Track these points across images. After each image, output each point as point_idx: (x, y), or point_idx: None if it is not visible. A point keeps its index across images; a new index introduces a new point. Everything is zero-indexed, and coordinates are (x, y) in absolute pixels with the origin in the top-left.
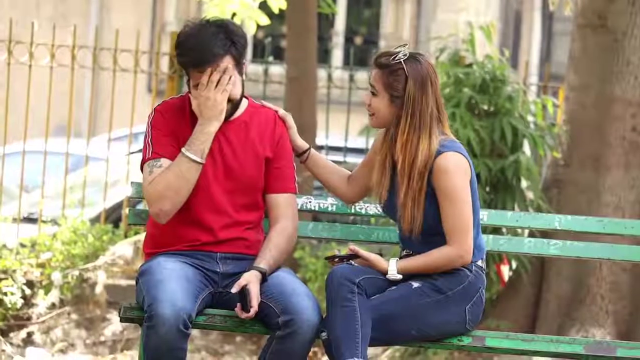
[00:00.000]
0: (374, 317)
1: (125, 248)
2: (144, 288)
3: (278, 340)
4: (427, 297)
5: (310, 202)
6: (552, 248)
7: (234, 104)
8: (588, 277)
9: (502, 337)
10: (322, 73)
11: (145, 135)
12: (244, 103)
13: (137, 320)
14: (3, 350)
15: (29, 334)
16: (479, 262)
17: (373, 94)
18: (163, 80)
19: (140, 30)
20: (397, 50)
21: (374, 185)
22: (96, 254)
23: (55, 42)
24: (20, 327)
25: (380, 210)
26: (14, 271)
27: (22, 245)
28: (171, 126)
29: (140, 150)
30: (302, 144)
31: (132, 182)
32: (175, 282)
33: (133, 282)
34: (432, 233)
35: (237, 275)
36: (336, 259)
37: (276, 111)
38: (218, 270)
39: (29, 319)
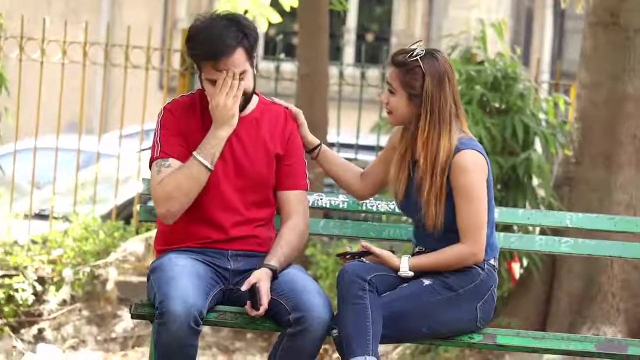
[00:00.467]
0: (385, 315)
1: (137, 245)
2: (155, 285)
3: (289, 337)
4: (439, 294)
5: (321, 199)
6: (563, 246)
7: (246, 97)
8: (599, 275)
9: (513, 335)
10: (333, 70)
11: (155, 133)
12: (255, 100)
13: (149, 317)
14: (14, 347)
15: (40, 331)
16: (492, 261)
17: (391, 92)
18: (175, 78)
19: (152, 27)
20: (413, 47)
21: (391, 182)
22: (107, 250)
23: (67, 39)
24: (32, 323)
25: (397, 207)
26: (26, 268)
27: (34, 242)
28: (181, 125)
29: (151, 148)
30: (313, 140)
31: (143, 179)
32: (186, 279)
33: (144, 279)
34: (448, 230)
35: (248, 272)
36: (348, 256)
37: (287, 108)
38: (229, 267)
39: (40, 315)
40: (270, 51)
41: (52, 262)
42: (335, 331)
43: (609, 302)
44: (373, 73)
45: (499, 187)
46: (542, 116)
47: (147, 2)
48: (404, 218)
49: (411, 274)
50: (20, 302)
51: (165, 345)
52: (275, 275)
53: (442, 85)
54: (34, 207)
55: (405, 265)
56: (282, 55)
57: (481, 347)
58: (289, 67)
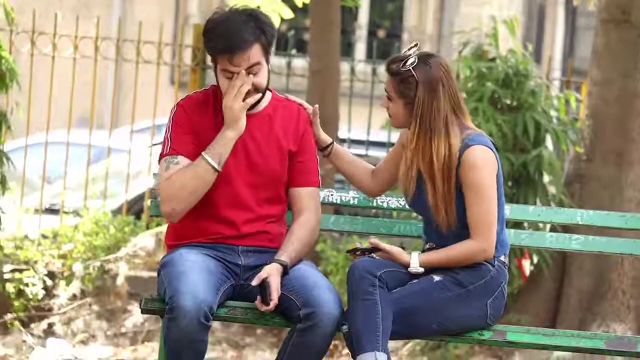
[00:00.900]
0: (394, 311)
1: (147, 239)
2: (165, 280)
3: (299, 333)
4: (449, 290)
5: (332, 195)
6: (574, 243)
7: (260, 93)
8: (610, 272)
9: (523, 332)
10: (344, 66)
11: (166, 129)
12: (268, 96)
13: (158, 312)
14: (24, 341)
15: (50, 325)
16: (502, 258)
17: (389, 99)
18: (186, 73)
19: (164, 22)
20: (407, 54)
21: (401, 181)
22: (118, 245)
23: (78, 34)
24: (41, 318)
25: (406, 204)
26: (36, 262)
27: (44, 237)
28: (193, 122)
29: (161, 143)
30: (325, 138)
31: (154, 174)
32: (196, 274)
33: (154, 274)
34: (459, 226)
35: (258, 267)
36: (358, 252)
37: (300, 104)
38: (240, 262)
39: (50, 310)
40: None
41: (62, 256)
42: (345, 327)
43: (619, 299)
44: (384, 69)
45: (509, 183)
46: (553, 113)
47: None
48: (414, 214)
49: (421, 270)
50: (30, 297)
51: (175, 340)
52: (285, 270)
53: (434, 92)
54: (44, 201)
55: (415, 261)
56: (294, 51)
57: (491, 344)
58: (300, 63)
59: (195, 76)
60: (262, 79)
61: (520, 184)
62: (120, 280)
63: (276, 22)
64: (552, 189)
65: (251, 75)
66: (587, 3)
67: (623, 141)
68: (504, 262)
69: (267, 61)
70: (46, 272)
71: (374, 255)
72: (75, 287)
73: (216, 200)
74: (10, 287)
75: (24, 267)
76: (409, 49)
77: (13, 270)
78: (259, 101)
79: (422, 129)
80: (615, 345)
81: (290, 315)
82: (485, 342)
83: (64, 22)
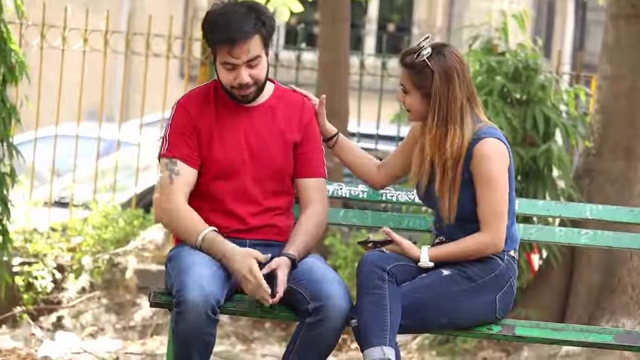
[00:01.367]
0: (404, 305)
1: (156, 233)
2: (172, 273)
3: (308, 326)
4: (458, 285)
5: (341, 189)
6: (583, 237)
7: (258, 86)
8: (619, 266)
9: (532, 326)
10: (354, 60)
11: (166, 127)
12: (270, 87)
13: (167, 306)
14: (33, 334)
15: (59, 318)
16: (512, 252)
17: (404, 92)
18: (195, 66)
19: (173, 15)
20: (421, 45)
21: (413, 174)
22: (127, 238)
23: (88, 27)
24: (50, 311)
25: (418, 198)
26: (45, 255)
27: (53, 230)
28: (193, 120)
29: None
30: (330, 128)
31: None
32: (204, 267)
33: (163, 267)
34: (468, 220)
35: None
36: (369, 244)
37: (305, 95)
38: None
39: (59, 303)
40: (291, 40)
41: (72, 249)
42: (354, 321)
43: (628, 294)
44: (394, 63)
45: (518, 178)
46: (562, 107)
47: None
48: (424, 208)
49: (431, 264)
50: (39, 290)
51: (183, 333)
52: (294, 264)
53: (450, 82)
54: (53, 194)
55: (425, 255)
56: (303, 45)
57: (500, 338)
58: (309, 57)
59: (204, 69)
60: (261, 72)
61: (529, 178)
62: (129, 274)
63: (286, 16)
64: (561, 184)
65: None
66: None
67: (633, 136)
68: (514, 257)
69: (267, 53)
70: (55, 265)
71: (384, 249)
72: (84, 280)
73: (223, 194)
74: (19, 280)
75: (33, 260)
76: (421, 41)
77: (22, 264)
78: (259, 93)
79: (439, 119)
80: (624, 340)
81: (299, 309)
82: (494, 337)
83: (73, 16)
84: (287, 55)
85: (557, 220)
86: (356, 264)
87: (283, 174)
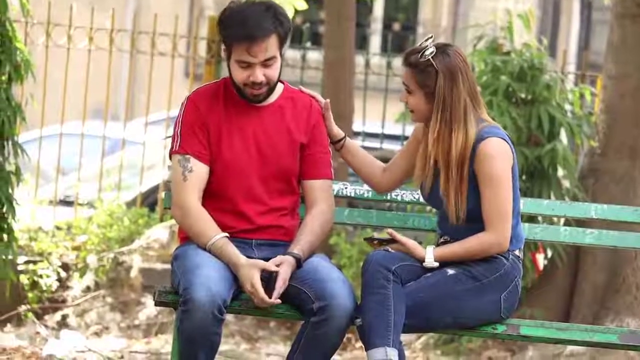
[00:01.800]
0: (408, 304)
1: (161, 232)
2: (178, 272)
3: (312, 326)
4: (463, 284)
5: (346, 188)
6: (588, 237)
7: (270, 87)
8: (624, 266)
9: (536, 326)
10: (359, 59)
11: (176, 123)
12: (280, 88)
13: (172, 305)
14: (38, 333)
15: (64, 317)
16: (517, 252)
17: (408, 92)
18: (201, 65)
19: (179, 14)
20: (424, 45)
21: (417, 175)
22: (132, 237)
23: (94, 26)
24: (55, 309)
25: (422, 199)
26: (50, 254)
27: (58, 228)
28: (202, 117)
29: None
30: (337, 132)
31: (168, 166)
32: (210, 267)
33: (168, 266)
34: (473, 220)
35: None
36: (375, 241)
37: (313, 97)
38: (253, 256)
39: (63, 301)
40: (297, 39)
41: (76, 248)
42: (358, 320)
43: (632, 294)
44: (399, 62)
45: (523, 177)
46: (567, 107)
47: None
48: (428, 208)
49: (436, 264)
50: (44, 288)
51: (189, 332)
52: (299, 263)
53: (454, 81)
54: (58, 193)
55: (430, 255)
56: (308, 44)
57: (504, 338)
58: (314, 56)
59: (210, 68)
60: (274, 72)
61: (534, 178)
62: (134, 273)
63: (290, 14)
64: (566, 183)
65: None
66: None
67: (638, 135)
68: (519, 257)
69: (281, 54)
70: (60, 264)
71: (389, 249)
72: (89, 279)
73: (229, 194)
74: (24, 279)
75: (38, 258)
76: (424, 41)
77: (27, 262)
78: (269, 93)
79: (443, 119)
80: (628, 340)
81: (304, 308)
82: (498, 336)
83: (79, 14)
84: (292, 55)
85: (562, 220)
86: (361, 264)
87: (289, 174)
